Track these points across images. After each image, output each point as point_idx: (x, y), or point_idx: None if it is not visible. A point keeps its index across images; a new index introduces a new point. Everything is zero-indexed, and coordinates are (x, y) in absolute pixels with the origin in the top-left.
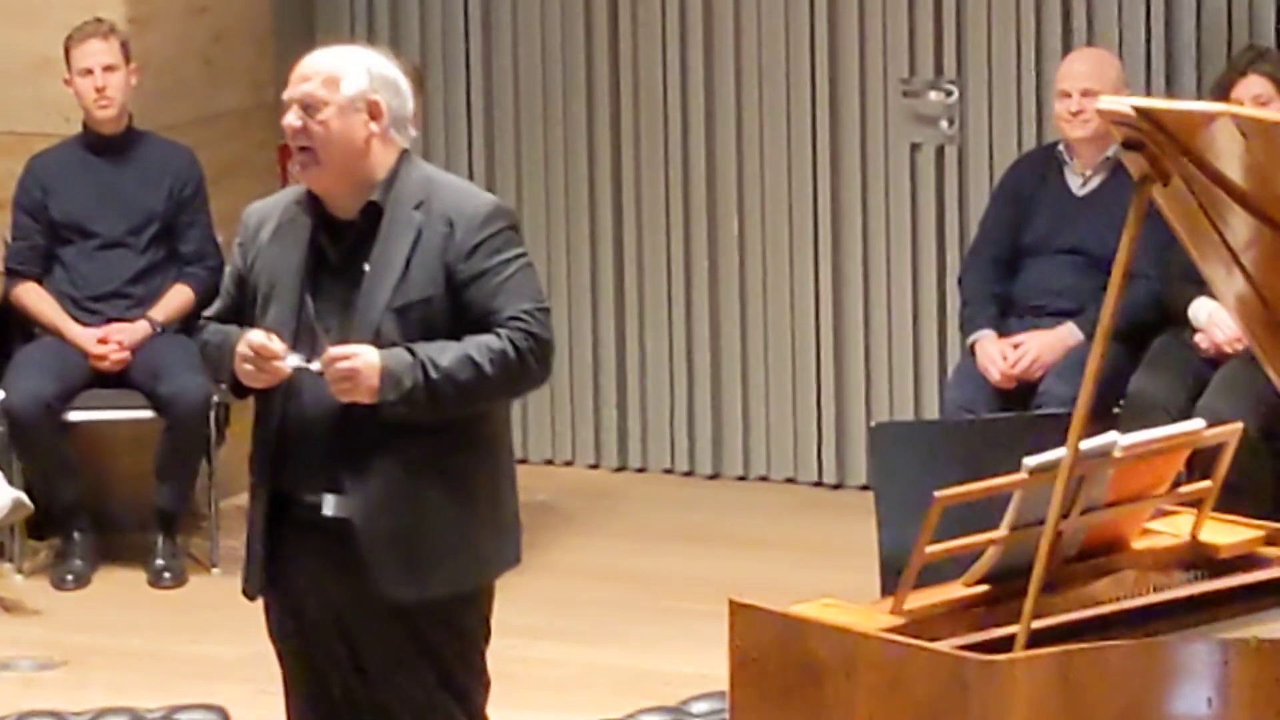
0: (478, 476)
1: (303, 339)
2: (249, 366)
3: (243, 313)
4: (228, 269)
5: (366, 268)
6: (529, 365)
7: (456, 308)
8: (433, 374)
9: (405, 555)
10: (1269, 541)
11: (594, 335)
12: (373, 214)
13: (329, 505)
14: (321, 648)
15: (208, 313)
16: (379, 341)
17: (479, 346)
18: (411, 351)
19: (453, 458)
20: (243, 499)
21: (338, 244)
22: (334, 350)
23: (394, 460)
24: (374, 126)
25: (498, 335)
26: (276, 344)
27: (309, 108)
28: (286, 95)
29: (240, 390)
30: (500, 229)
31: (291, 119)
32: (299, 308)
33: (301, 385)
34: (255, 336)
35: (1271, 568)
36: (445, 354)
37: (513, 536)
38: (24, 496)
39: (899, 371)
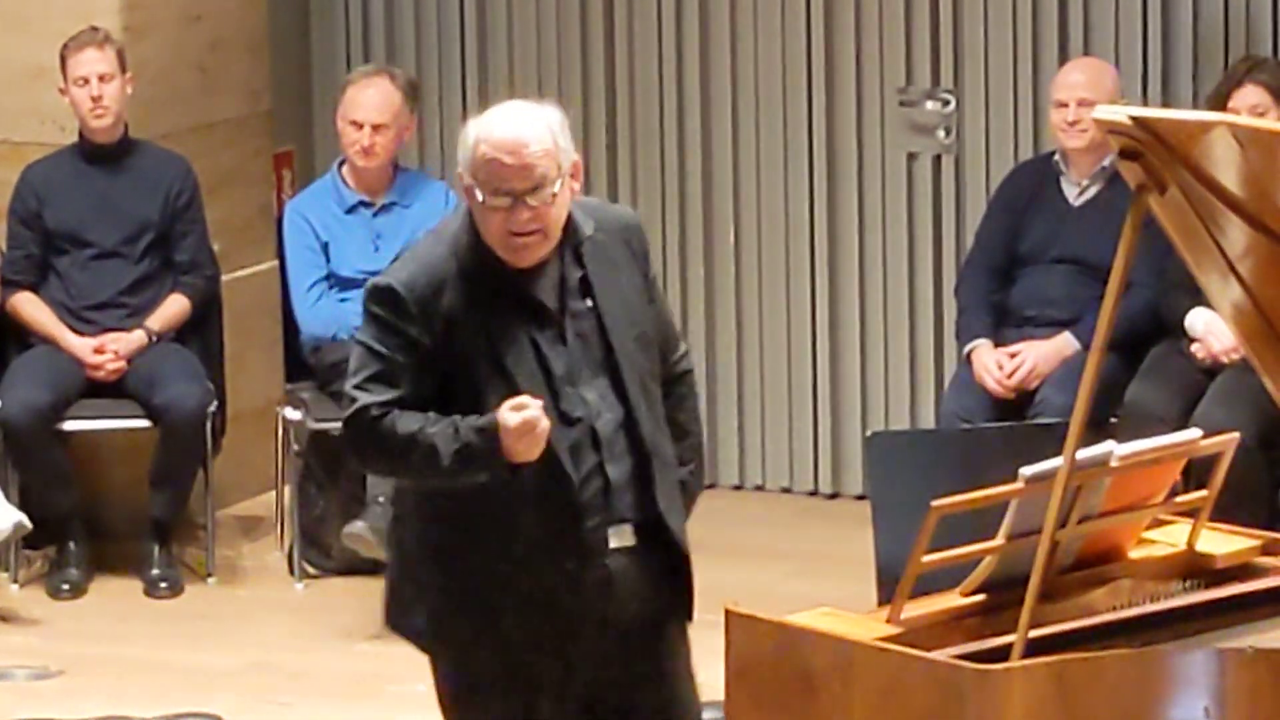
0: None
1: (557, 390)
2: (526, 439)
3: (420, 391)
4: (384, 349)
5: (589, 303)
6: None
7: (657, 321)
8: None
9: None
10: (1265, 551)
11: None
12: (570, 253)
13: (627, 535)
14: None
15: (377, 399)
16: (636, 372)
17: (692, 416)
18: (685, 484)
19: None
20: (239, 509)
21: (544, 293)
22: None
23: (670, 486)
24: (576, 186)
25: (683, 384)
26: (537, 404)
27: (538, 191)
28: (507, 188)
29: (512, 469)
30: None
31: (523, 215)
32: (541, 363)
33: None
34: (530, 409)
35: (1268, 577)
36: (695, 449)
37: None
38: (24, 518)
39: (895, 381)
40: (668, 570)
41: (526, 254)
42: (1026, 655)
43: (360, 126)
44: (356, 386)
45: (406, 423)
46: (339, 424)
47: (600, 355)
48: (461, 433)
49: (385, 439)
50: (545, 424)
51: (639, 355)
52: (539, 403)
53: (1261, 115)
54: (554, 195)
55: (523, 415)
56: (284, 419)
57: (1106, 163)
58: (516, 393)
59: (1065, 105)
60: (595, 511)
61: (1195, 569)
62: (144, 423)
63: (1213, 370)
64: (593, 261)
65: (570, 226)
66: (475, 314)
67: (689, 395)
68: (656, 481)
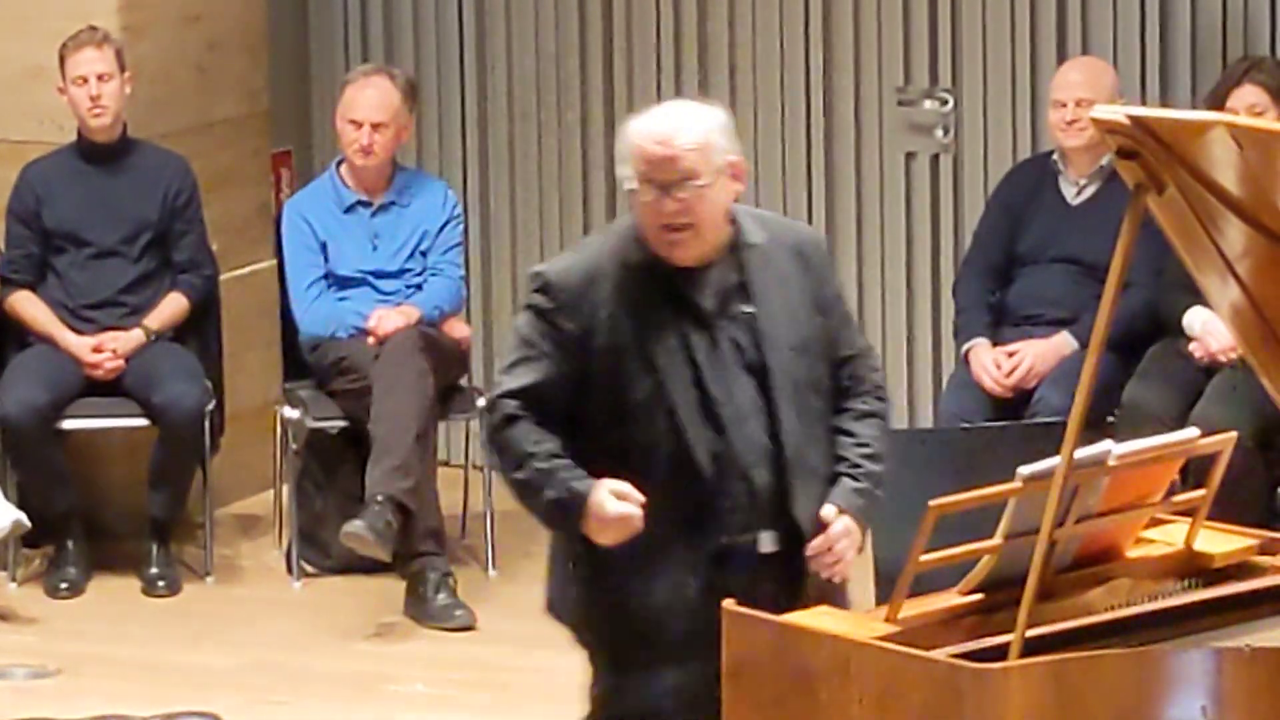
0: None
1: (704, 391)
2: (613, 528)
3: (561, 380)
4: (531, 334)
5: (746, 309)
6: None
7: (825, 334)
8: (877, 488)
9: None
10: (1263, 550)
11: None
12: (733, 258)
13: (767, 542)
14: None
15: (512, 385)
16: (789, 381)
17: (869, 426)
18: (853, 477)
19: None
20: (237, 507)
21: (702, 295)
22: (816, 544)
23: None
24: (739, 187)
25: (863, 400)
26: (638, 501)
27: (685, 183)
28: (655, 177)
29: (568, 529)
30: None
31: (670, 204)
32: (690, 363)
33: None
34: (632, 506)
35: (1265, 576)
36: (867, 456)
37: None
38: (23, 517)
39: (893, 380)
40: (802, 575)
41: (679, 250)
42: (1024, 654)
43: (359, 125)
44: (503, 370)
45: (528, 439)
46: (336, 423)
47: (753, 361)
48: (559, 483)
49: (506, 442)
50: (639, 523)
51: (794, 365)
52: (640, 500)
53: (1260, 115)
54: (702, 190)
55: (621, 510)
56: (282, 418)
57: (1105, 162)
58: (660, 389)
59: (1064, 105)
60: (735, 518)
61: (1193, 568)
62: (142, 422)
63: (1210, 369)
64: (755, 268)
65: (736, 231)
66: (628, 308)
67: (871, 414)
68: (797, 491)
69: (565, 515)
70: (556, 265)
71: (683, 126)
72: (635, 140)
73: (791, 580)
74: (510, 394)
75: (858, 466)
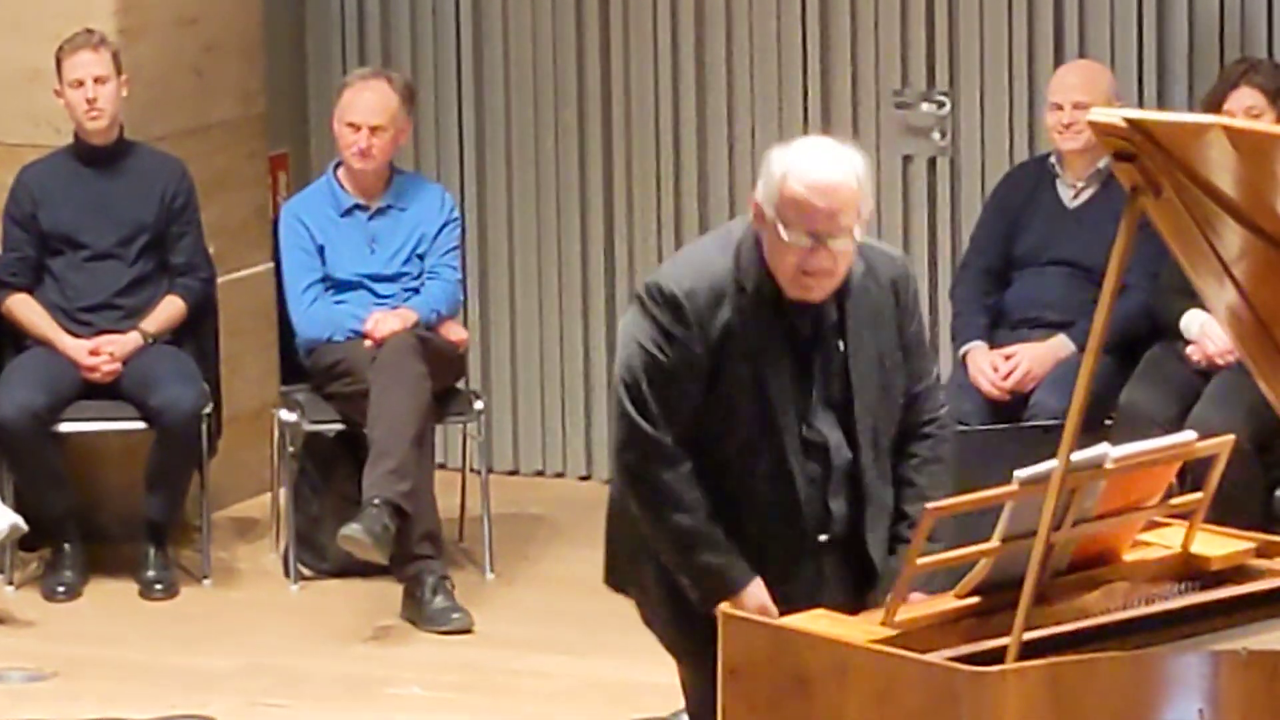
0: None
1: (807, 421)
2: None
3: (693, 396)
4: (662, 355)
5: (841, 345)
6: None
7: (905, 372)
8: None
9: None
10: (1260, 553)
11: (586, 346)
12: (834, 295)
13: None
14: None
15: (657, 410)
16: (870, 421)
17: (931, 474)
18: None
19: None
20: (234, 510)
21: (807, 327)
22: None
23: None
24: (864, 228)
25: (928, 444)
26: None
27: (841, 235)
28: (814, 228)
29: (703, 593)
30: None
31: (822, 259)
32: (797, 392)
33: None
34: (769, 617)
35: (1263, 579)
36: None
37: None
38: (20, 520)
39: None
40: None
41: (813, 293)
42: (1021, 657)
43: (357, 128)
44: (635, 389)
45: (688, 485)
46: (333, 426)
47: (840, 399)
48: (722, 553)
49: (662, 484)
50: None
51: (879, 407)
52: (774, 614)
53: (1257, 117)
54: (852, 241)
55: (759, 616)
56: (279, 421)
57: (1102, 165)
58: (770, 416)
59: (1061, 108)
60: (813, 527)
61: (1190, 571)
62: (139, 425)
63: (1208, 373)
64: (854, 307)
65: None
66: (746, 333)
67: (933, 460)
68: (868, 523)
69: (711, 585)
70: (682, 283)
71: (845, 179)
72: (795, 187)
73: (857, 605)
74: (661, 422)
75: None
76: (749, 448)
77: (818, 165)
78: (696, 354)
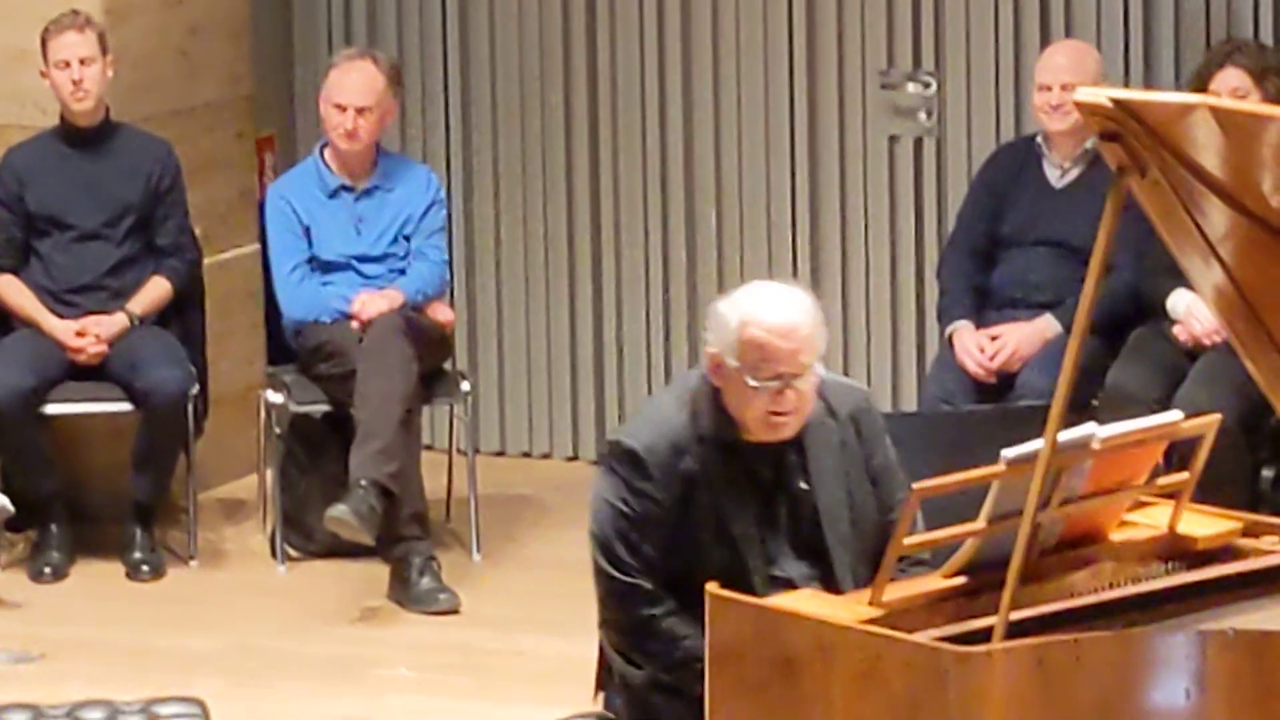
0: None
1: (771, 560)
2: None
3: (662, 545)
4: (629, 510)
5: (804, 486)
6: None
7: (878, 502)
8: None
9: None
10: (1246, 533)
11: (572, 327)
12: (797, 434)
13: None
14: None
15: (636, 564)
16: (848, 557)
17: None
18: None
19: None
20: (221, 492)
21: (768, 469)
22: None
23: None
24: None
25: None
26: None
27: (805, 375)
28: (779, 371)
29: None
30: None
31: (790, 398)
32: (760, 534)
33: None
34: None
35: (1249, 559)
36: None
37: None
38: (6, 502)
39: (877, 363)
40: None
41: (784, 431)
42: (1008, 637)
43: (344, 109)
44: (609, 546)
45: (680, 624)
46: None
47: (811, 537)
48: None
49: (656, 629)
50: None
51: (853, 541)
52: None
53: (1242, 98)
54: (813, 378)
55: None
56: (266, 402)
57: (1088, 145)
58: (738, 557)
59: (1049, 89)
60: None
61: (1176, 551)
62: (126, 406)
63: (1194, 352)
64: (813, 445)
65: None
66: (708, 480)
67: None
68: None
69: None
70: (641, 438)
71: (802, 318)
72: (756, 333)
73: None
74: (640, 573)
75: None
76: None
77: (773, 308)
78: (662, 504)
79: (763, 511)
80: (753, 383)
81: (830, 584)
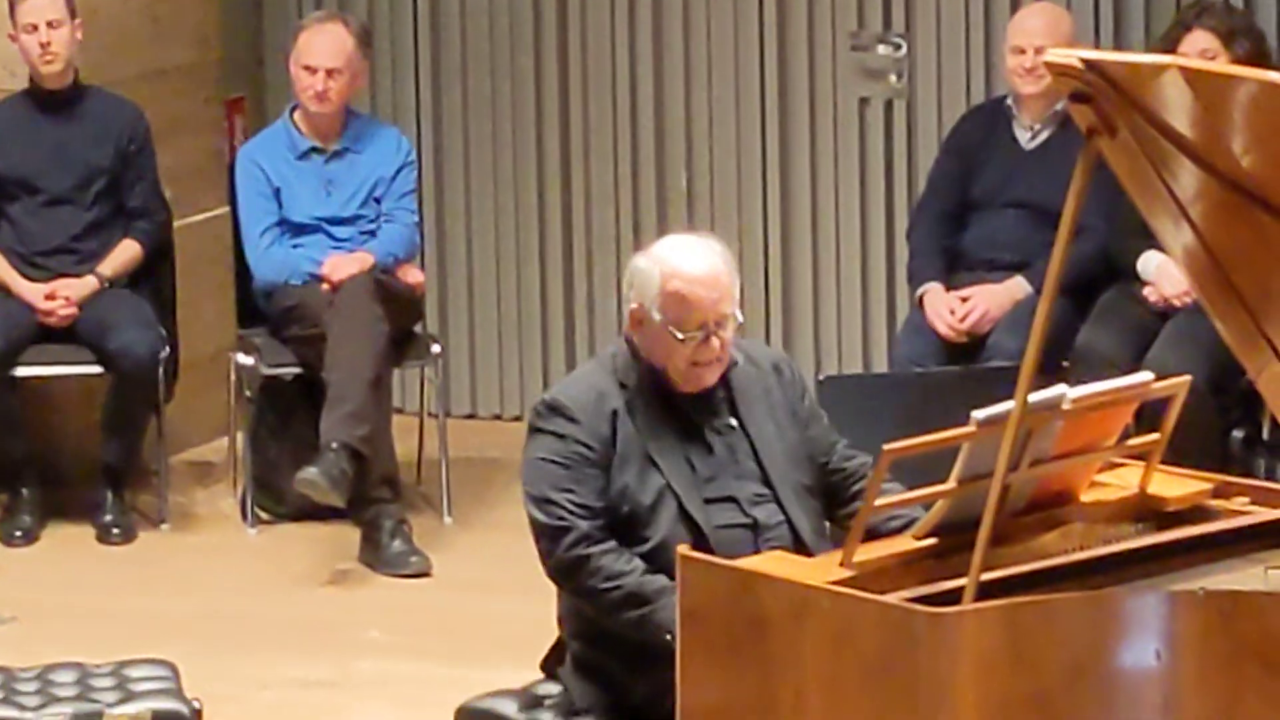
0: None
1: (707, 482)
2: None
3: (600, 488)
4: (560, 459)
5: (733, 422)
6: None
7: (810, 444)
8: None
9: None
10: (1216, 494)
11: (542, 289)
12: (720, 379)
13: None
14: None
15: (570, 506)
16: (789, 483)
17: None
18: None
19: None
20: (191, 455)
21: (696, 411)
22: None
23: None
24: (739, 314)
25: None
26: None
27: (726, 322)
28: (702, 320)
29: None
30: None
31: (714, 345)
32: (690, 464)
33: None
34: None
35: (1219, 520)
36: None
37: None
38: None
39: (847, 325)
40: None
41: (704, 380)
42: (978, 598)
43: (314, 72)
44: (544, 498)
45: (618, 559)
46: (290, 370)
47: (752, 469)
48: (667, 592)
49: (592, 566)
50: None
51: (790, 469)
52: None
53: (1211, 59)
54: (734, 325)
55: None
56: (236, 365)
57: (1059, 107)
58: (669, 487)
59: (1023, 51)
60: None
61: (1147, 512)
62: (96, 369)
63: (1164, 314)
64: (740, 386)
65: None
66: (636, 424)
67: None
68: None
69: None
70: (564, 392)
71: (720, 266)
72: (678, 287)
73: None
74: (573, 514)
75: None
76: (658, 526)
77: (693, 260)
78: (591, 447)
79: (693, 443)
80: (679, 335)
81: (781, 504)
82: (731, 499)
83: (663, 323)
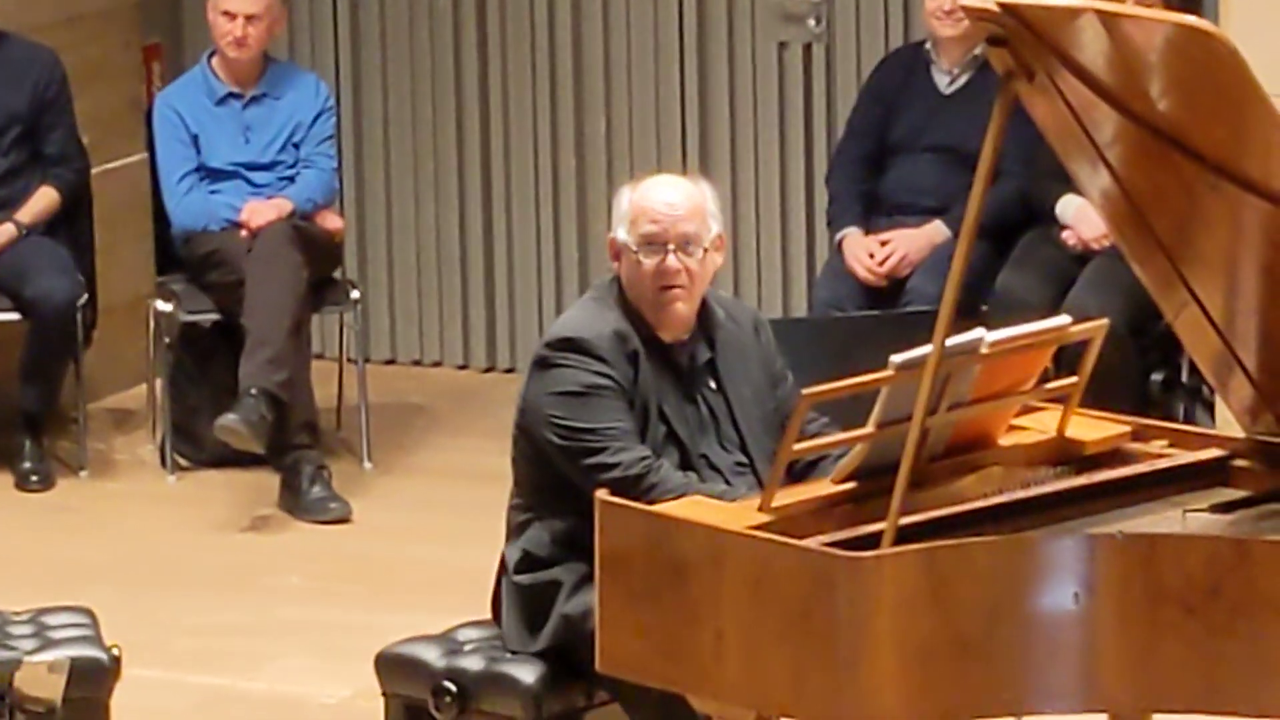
0: None
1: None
2: None
3: (625, 419)
4: (586, 391)
5: (713, 385)
6: None
7: (780, 405)
8: None
9: None
10: (1135, 437)
11: (461, 235)
12: (704, 338)
13: None
14: None
15: (644, 456)
16: (763, 450)
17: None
18: None
19: None
20: (110, 401)
21: (682, 367)
22: None
23: None
24: (719, 259)
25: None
26: None
27: (687, 246)
28: (661, 239)
29: None
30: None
31: (673, 262)
32: (690, 429)
33: None
34: None
35: (1137, 463)
36: None
37: None
38: None
39: (767, 270)
40: None
41: (671, 311)
42: (897, 542)
43: (233, 17)
44: (589, 432)
45: (675, 475)
46: (209, 316)
47: (732, 435)
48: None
49: (662, 485)
50: None
51: (764, 437)
52: None
53: (1148, 5)
54: (700, 256)
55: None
56: (155, 311)
57: (977, 51)
58: (677, 438)
59: None
60: None
61: (1065, 455)
62: (14, 316)
63: (1083, 257)
64: (723, 348)
65: (706, 311)
66: (647, 370)
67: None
68: None
69: None
70: (581, 330)
71: (686, 194)
72: (642, 204)
73: None
74: (610, 446)
75: None
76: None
77: (664, 183)
78: (618, 383)
79: (688, 399)
80: (635, 249)
81: (756, 475)
82: (716, 468)
83: (626, 244)
